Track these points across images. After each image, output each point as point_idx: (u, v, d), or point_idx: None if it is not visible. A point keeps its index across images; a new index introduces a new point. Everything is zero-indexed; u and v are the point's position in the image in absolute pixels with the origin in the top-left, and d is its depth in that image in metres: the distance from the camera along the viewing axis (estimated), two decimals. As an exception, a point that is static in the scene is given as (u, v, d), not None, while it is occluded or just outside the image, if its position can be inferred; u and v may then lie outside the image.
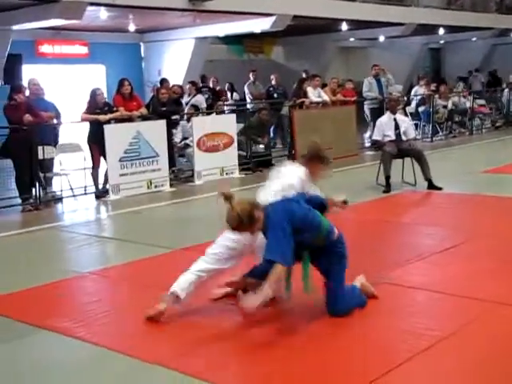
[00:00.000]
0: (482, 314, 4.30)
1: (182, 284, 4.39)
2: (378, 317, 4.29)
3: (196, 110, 12.05)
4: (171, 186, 10.00)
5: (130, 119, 9.84)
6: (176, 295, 4.36)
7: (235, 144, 11.02)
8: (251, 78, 15.05)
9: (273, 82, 14.42)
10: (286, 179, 4.70)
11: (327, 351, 3.84)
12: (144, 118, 10.12)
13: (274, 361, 3.77)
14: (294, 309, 4.51)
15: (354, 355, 3.81)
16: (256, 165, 11.48)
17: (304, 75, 14.75)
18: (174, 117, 10.84)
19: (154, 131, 9.82)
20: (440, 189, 8.81)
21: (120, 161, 9.35)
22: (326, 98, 12.96)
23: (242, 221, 3.96)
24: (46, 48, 16.65)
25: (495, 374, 3.49)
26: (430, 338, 3.92)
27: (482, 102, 17.63)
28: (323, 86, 13.98)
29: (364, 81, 14.23)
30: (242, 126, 11.68)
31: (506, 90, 18.19)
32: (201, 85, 14.74)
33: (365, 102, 14.02)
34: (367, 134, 13.93)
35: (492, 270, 5.21)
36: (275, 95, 14.12)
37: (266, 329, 4.22)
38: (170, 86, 12.02)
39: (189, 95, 13.15)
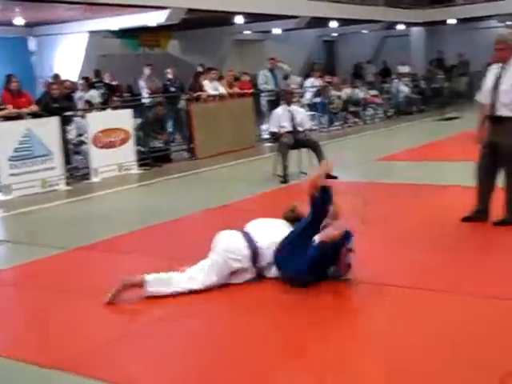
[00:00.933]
0: (370, 296, 4.43)
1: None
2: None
3: (90, 105, 11.76)
4: (67, 184, 9.72)
5: (19, 116, 9.47)
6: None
7: (132, 139, 10.84)
8: (147, 73, 14.82)
9: (169, 76, 14.27)
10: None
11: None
12: (35, 115, 9.76)
13: (173, 361, 3.74)
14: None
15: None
16: (155, 160, 11.36)
17: (200, 69, 14.71)
18: (69, 113, 10.53)
19: (46, 128, 9.51)
20: (335, 178, 8.97)
21: (10, 160, 8.99)
22: (222, 90, 12.99)
23: None
24: None
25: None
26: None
27: (375, 92, 18.23)
28: (220, 78, 13.99)
29: (260, 73, 14.39)
30: (139, 121, 11.52)
31: (396, 81, 18.89)
32: (94, 80, 14.37)
33: (261, 95, 14.16)
34: (265, 126, 14.08)
35: (386, 253, 5.38)
36: (172, 89, 13.99)
37: (168, 326, 4.19)
38: (62, 81, 11.66)
39: (81, 91, 12.81)
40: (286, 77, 14.90)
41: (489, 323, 3.86)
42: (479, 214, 6.03)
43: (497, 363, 3.33)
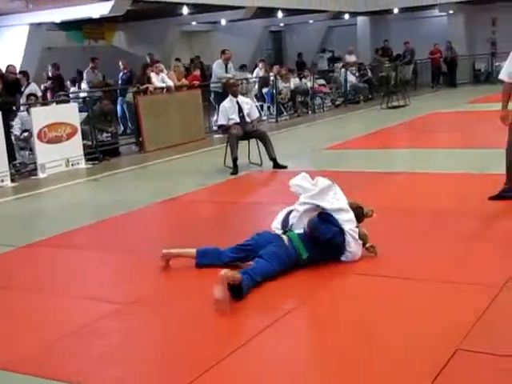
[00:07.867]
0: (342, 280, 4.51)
1: None
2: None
3: (37, 99, 11.52)
4: (12, 181, 9.51)
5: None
6: None
7: (79, 134, 10.67)
8: (90, 66, 14.67)
9: (123, 68, 14.12)
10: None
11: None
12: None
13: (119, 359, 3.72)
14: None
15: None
16: (103, 154, 11.22)
17: (148, 59, 14.53)
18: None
19: (-11, 124, 9.27)
20: (285, 167, 9.07)
21: (-50, 158, 8.75)
22: (170, 83, 12.88)
23: None
24: None
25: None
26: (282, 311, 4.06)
27: (322, 81, 18.37)
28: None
29: (215, 63, 14.20)
30: (85, 115, 11.36)
31: (343, 70, 19.06)
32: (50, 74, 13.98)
33: (211, 86, 14.06)
34: (215, 118, 14.03)
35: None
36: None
37: (119, 321, 4.16)
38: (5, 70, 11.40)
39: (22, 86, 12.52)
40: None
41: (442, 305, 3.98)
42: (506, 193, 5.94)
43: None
